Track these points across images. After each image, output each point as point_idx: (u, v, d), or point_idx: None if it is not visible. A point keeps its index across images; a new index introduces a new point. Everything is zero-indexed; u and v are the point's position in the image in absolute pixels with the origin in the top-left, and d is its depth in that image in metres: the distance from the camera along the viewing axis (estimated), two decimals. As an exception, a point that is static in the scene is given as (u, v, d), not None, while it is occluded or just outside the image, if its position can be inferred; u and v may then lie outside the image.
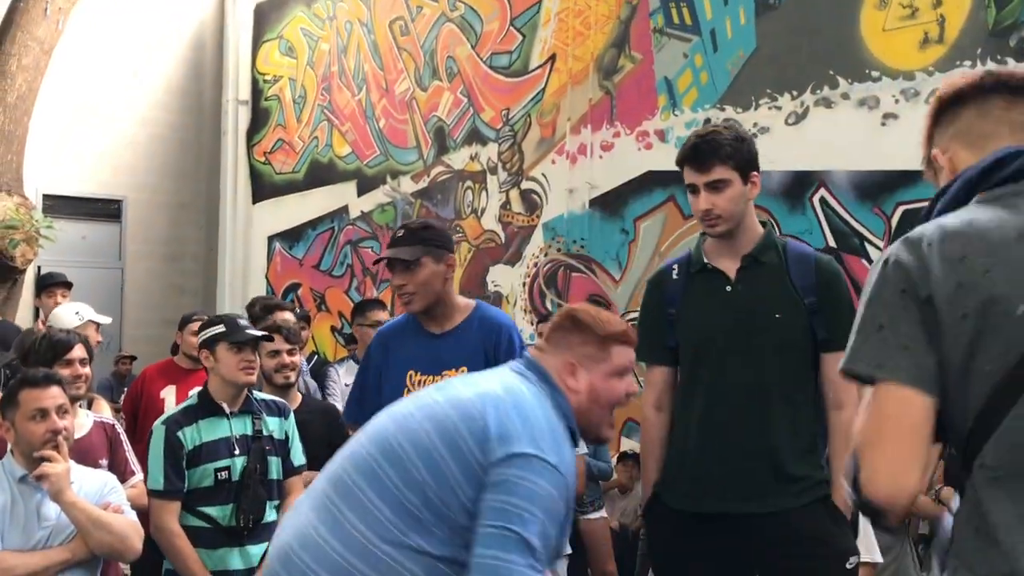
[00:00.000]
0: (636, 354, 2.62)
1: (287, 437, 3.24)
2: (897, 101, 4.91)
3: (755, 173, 2.51)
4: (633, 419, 6.19)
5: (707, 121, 5.79)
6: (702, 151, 2.48)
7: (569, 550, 3.90)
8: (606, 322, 2.03)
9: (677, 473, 2.56)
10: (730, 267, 2.53)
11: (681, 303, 2.58)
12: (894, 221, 4.88)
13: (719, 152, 2.46)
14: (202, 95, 9.76)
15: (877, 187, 4.89)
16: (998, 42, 4.59)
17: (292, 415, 3.28)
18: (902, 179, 4.83)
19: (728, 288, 2.52)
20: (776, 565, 2.44)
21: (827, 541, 2.43)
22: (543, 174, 6.79)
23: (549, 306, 6.67)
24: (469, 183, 7.35)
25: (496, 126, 7.14)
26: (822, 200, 5.28)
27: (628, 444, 5.93)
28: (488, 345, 2.86)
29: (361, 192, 8.23)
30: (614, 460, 5.43)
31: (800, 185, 5.38)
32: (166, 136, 9.55)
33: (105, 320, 4.71)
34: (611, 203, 6.37)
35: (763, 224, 2.59)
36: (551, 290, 6.72)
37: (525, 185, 6.94)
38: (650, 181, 6.13)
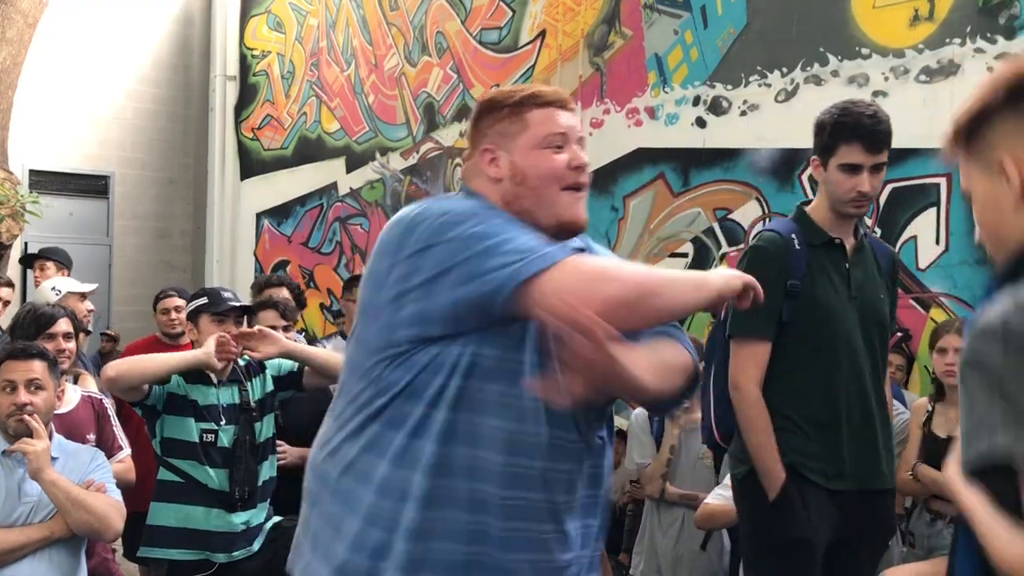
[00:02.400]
0: (743, 327, 2.48)
1: (270, 391, 3.28)
2: (887, 78, 4.90)
3: None
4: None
5: (697, 99, 5.78)
6: (881, 133, 2.51)
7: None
8: (518, 89, 1.71)
9: (814, 448, 2.46)
10: (848, 241, 2.58)
11: (806, 275, 2.48)
12: (882, 199, 4.88)
13: (890, 137, 2.53)
14: (190, 70, 9.69)
15: (866, 165, 4.89)
16: (988, 20, 4.58)
17: (267, 362, 3.27)
18: (891, 157, 4.81)
19: (847, 265, 2.54)
20: (874, 543, 2.55)
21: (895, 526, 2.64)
22: (533, 151, 6.77)
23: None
24: (459, 160, 7.32)
25: (486, 102, 7.11)
26: (811, 178, 5.27)
27: (617, 421, 5.94)
28: None
29: (350, 169, 8.19)
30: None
31: (789, 163, 5.37)
32: (154, 111, 9.47)
33: (87, 288, 4.67)
34: (601, 180, 6.34)
35: None
36: (540, 267, 6.72)
37: (515, 162, 6.91)
38: (640, 158, 6.12)
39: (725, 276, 1.61)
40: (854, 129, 2.48)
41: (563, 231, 1.67)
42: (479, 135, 1.72)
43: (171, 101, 9.58)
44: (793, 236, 2.54)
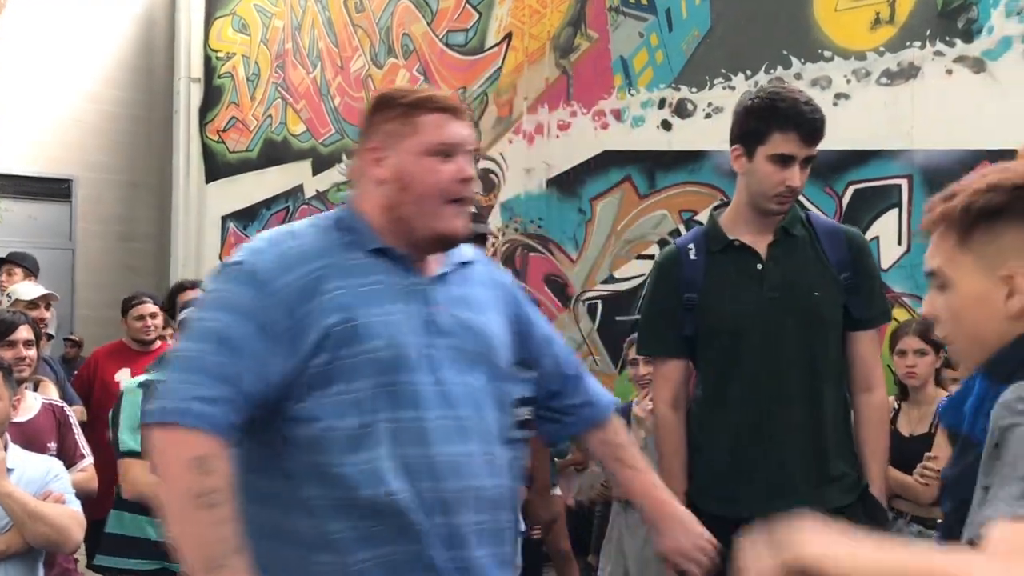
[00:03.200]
0: (643, 346, 2.41)
1: None
2: (849, 81, 4.96)
3: None
4: (590, 397, 6.23)
5: (662, 101, 5.82)
6: (817, 123, 2.24)
7: (523, 527, 3.93)
8: (414, 90, 1.63)
9: (716, 476, 2.30)
10: (759, 242, 2.31)
11: (704, 286, 2.30)
12: (845, 200, 4.94)
13: (824, 127, 2.27)
14: (153, 72, 9.58)
15: (829, 167, 4.94)
16: (947, 23, 4.65)
17: None
18: (853, 158, 4.89)
19: (759, 266, 2.29)
20: None
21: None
22: (500, 153, 6.77)
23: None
24: (425, 162, 7.30)
25: (452, 105, 7.10)
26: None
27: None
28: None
29: (316, 171, 8.15)
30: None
31: (754, 165, 5.42)
32: (116, 114, 9.36)
33: (34, 293, 4.54)
34: (568, 183, 6.37)
35: None
36: (509, 270, 6.72)
37: (482, 164, 6.91)
38: (607, 161, 6.14)
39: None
40: (791, 116, 2.21)
41: (439, 243, 1.63)
42: (369, 130, 1.64)
43: (134, 103, 9.46)
44: (690, 246, 2.36)
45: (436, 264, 1.67)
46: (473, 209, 2.66)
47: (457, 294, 1.66)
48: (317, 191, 8.16)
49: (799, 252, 2.32)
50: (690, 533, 1.80)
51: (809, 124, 2.24)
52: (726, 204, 2.47)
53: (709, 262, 2.33)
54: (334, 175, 8.03)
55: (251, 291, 1.51)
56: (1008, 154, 4.44)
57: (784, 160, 2.23)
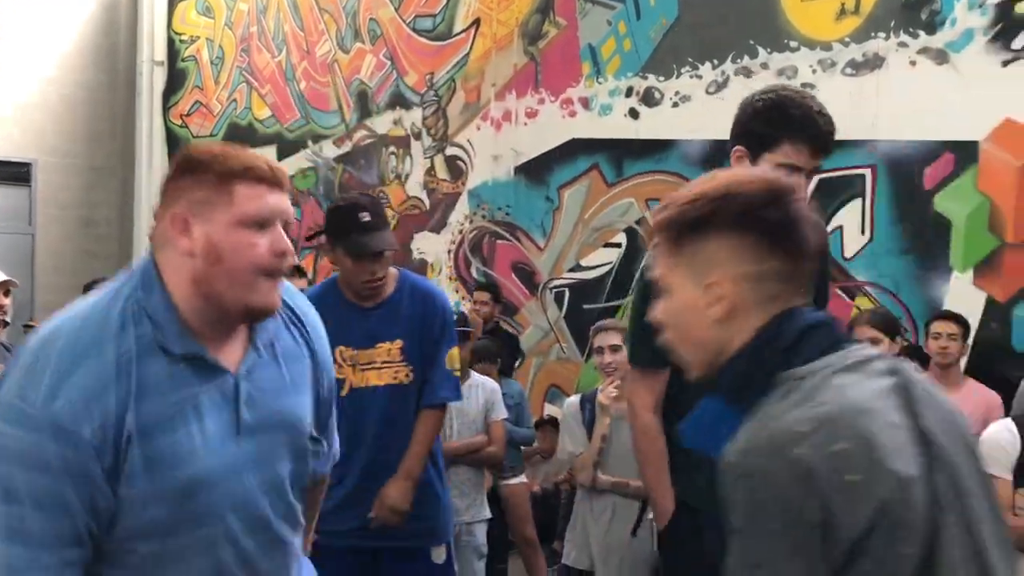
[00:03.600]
0: (635, 356, 2.27)
1: None
2: (814, 71, 4.99)
3: None
4: (557, 385, 6.25)
5: (630, 90, 5.82)
6: (831, 136, 2.14)
7: (488, 515, 3.93)
8: (228, 156, 1.52)
9: (704, 477, 2.24)
10: None
11: None
12: (809, 190, 4.97)
13: (834, 141, 2.17)
14: (115, 55, 9.42)
15: (794, 156, 4.97)
16: (911, 15, 4.70)
17: None
18: (818, 149, 4.91)
19: None
20: None
21: None
22: (468, 140, 6.75)
23: (475, 274, 6.66)
24: (393, 148, 7.26)
25: (420, 90, 7.06)
26: (741, 169, 5.35)
27: (550, 410, 5.98)
28: (424, 314, 2.81)
29: (281, 156, 8.06)
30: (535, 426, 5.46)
31: (720, 154, 5.42)
32: (78, 97, 9.20)
33: None
34: (536, 170, 6.36)
35: None
36: (476, 258, 6.71)
37: (450, 151, 6.88)
38: (574, 148, 6.14)
39: None
40: (804, 127, 2.11)
41: (252, 317, 1.55)
42: (174, 194, 1.52)
43: (96, 87, 9.30)
44: None
45: (241, 345, 1.58)
46: (367, 217, 2.61)
47: (266, 384, 1.59)
48: (283, 177, 8.09)
49: None
50: None
51: (823, 137, 2.14)
52: None
53: None
54: (300, 161, 7.96)
55: (57, 447, 1.39)
56: (970, 145, 4.51)
57: (792, 170, 2.09)
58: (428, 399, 2.82)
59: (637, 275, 2.46)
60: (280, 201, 1.54)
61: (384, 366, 2.76)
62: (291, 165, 7.99)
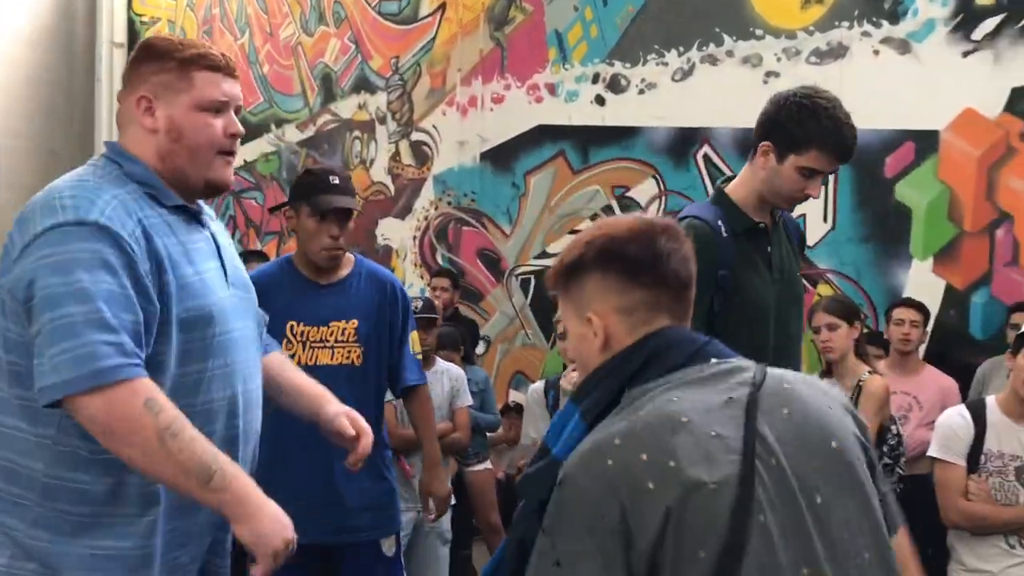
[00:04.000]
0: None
1: None
2: (779, 59, 5.03)
3: None
4: (522, 371, 6.25)
5: (596, 76, 5.82)
6: (853, 150, 2.31)
7: (452, 501, 3.93)
8: (187, 45, 1.72)
9: None
10: (768, 225, 2.41)
11: (735, 264, 2.33)
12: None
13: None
14: (73, 36, 9.24)
15: (758, 144, 5.00)
16: (874, 5, 4.74)
17: None
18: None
19: (769, 248, 2.39)
20: None
21: None
22: (433, 125, 6.70)
23: (440, 260, 6.64)
24: (357, 133, 7.20)
25: (385, 75, 7.00)
26: (705, 157, 5.38)
27: (516, 396, 5.98)
28: (382, 299, 2.82)
29: (244, 141, 7.87)
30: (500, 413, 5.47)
31: (684, 142, 5.46)
32: (35, 78, 9.00)
33: None
34: (502, 156, 6.34)
35: None
36: (442, 244, 6.68)
37: (415, 136, 6.84)
38: (540, 135, 6.13)
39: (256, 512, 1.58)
40: (835, 140, 2.24)
41: (210, 191, 1.77)
42: (138, 78, 1.72)
43: (54, 68, 9.11)
44: (720, 223, 2.35)
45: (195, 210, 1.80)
46: (337, 180, 2.72)
47: (225, 244, 1.83)
48: (245, 161, 7.98)
49: (781, 235, 2.46)
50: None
51: (849, 149, 2.29)
52: (729, 179, 2.49)
53: (736, 242, 2.36)
54: (263, 145, 7.86)
55: (110, 247, 1.57)
56: (931, 134, 4.56)
57: (812, 173, 2.28)
58: (401, 384, 2.88)
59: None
60: (233, 88, 1.75)
61: (336, 345, 2.76)
62: (253, 149, 7.90)
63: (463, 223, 6.56)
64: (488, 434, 4.88)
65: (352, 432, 1.93)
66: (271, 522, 1.57)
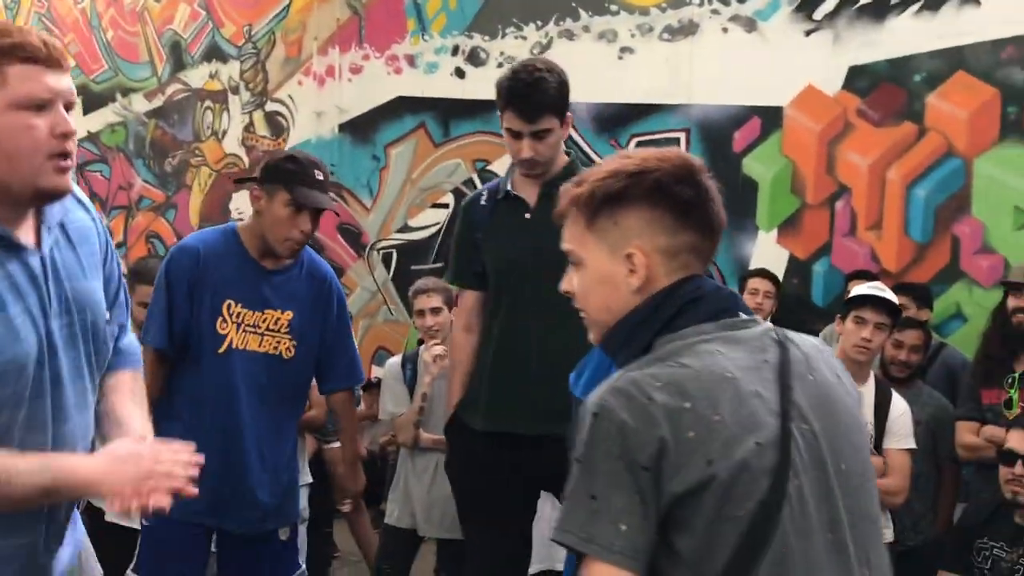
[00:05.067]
0: (447, 276, 2.71)
1: None
2: (633, 36, 5.10)
3: (570, 113, 2.53)
4: (385, 347, 6.19)
5: (456, 48, 5.77)
6: (532, 102, 2.42)
7: (309, 479, 3.86)
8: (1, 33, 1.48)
9: (476, 394, 2.60)
10: (532, 195, 2.55)
11: (488, 228, 2.60)
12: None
13: (548, 102, 2.43)
14: None
15: (614, 119, 5.09)
16: (723, -17, 4.86)
17: None
18: (636, 112, 5.05)
19: (527, 215, 2.54)
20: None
21: None
22: (289, 95, 6.52)
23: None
24: (209, 103, 6.93)
25: (238, 43, 6.75)
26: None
27: (378, 372, 5.92)
28: (319, 294, 2.75)
29: (87, 110, 7.55)
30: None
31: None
32: None
33: None
34: (361, 128, 6.23)
35: (567, 153, 2.61)
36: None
37: (270, 107, 6.63)
38: (401, 107, 6.05)
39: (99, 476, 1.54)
40: (509, 98, 2.44)
41: (42, 198, 1.55)
42: None
43: None
44: (484, 192, 2.66)
45: (32, 226, 1.57)
46: (321, 176, 2.63)
47: (63, 264, 1.61)
48: (89, 132, 7.58)
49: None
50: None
51: (523, 103, 2.42)
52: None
53: (494, 208, 2.61)
54: (108, 115, 7.48)
55: None
56: (775, 110, 4.74)
57: (514, 134, 2.46)
58: (341, 383, 2.87)
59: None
60: (58, 81, 1.50)
61: (267, 333, 2.66)
62: (98, 119, 7.51)
63: (322, 197, 6.42)
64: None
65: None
66: (110, 476, 1.53)
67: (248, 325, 2.64)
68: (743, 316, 1.30)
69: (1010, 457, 2.91)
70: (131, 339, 1.89)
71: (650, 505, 1.15)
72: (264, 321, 2.65)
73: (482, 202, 2.64)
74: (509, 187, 2.60)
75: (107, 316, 1.69)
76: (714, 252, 1.33)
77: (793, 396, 1.22)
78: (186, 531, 2.57)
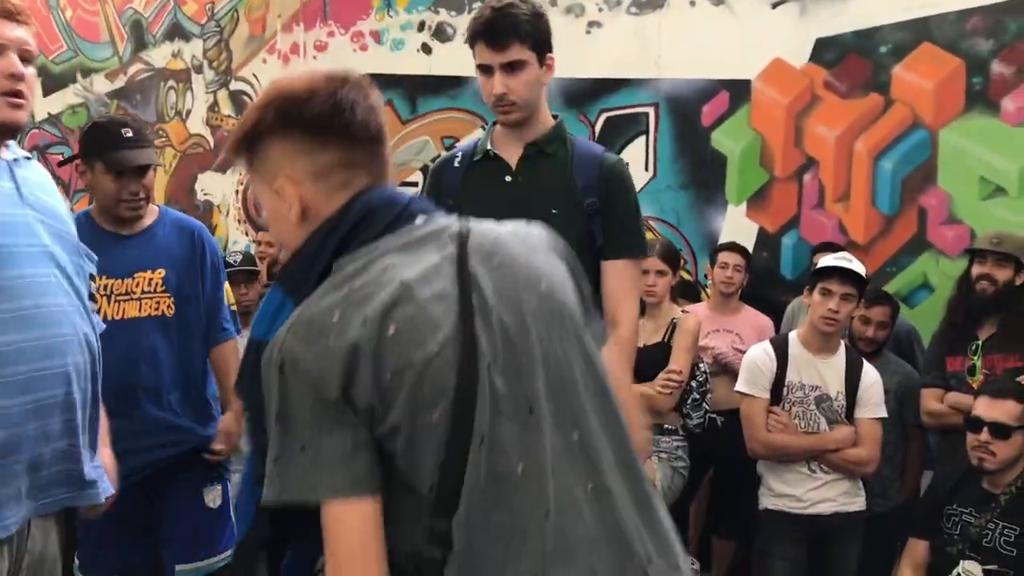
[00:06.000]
0: None
1: None
2: (600, 9, 5.08)
3: (551, 55, 2.30)
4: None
5: (422, 24, 5.72)
6: (499, 27, 2.21)
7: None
8: None
9: None
10: (513, 156, 2.33)
11: (459, 193, 2.34)
12: (598, 128, 5.10)
13: (518, 29, 2.21)
14: None
15: (582, 94, 5.07)
16: (690, -44, 4.85)
17: None
18: (605, 87, 5.04)
19: (508, 178, 2.33)
20: None
21: None
22: (254, 74, 6.43)
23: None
24: (172, 83, 6.82)
25: (200, 21, 6.64)
26: (533, 106, 5.40)
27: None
28: (189, 248, 2.73)
29: (47, 92, 7.40)
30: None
31: (513, 91, 5.46)
32: None
33: None
34: (327, 107, 6.16)
35: (555, 116, 2.39)
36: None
37: (234, 86, 6.54)
38: (367, 84, 5.98)
39: None
40: (476, 27, 2.26)
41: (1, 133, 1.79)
42: None
43: None
44: (458, 154, 2.43)
45: None
46: (130, 132, 2.61)
47: (31, 178, 1.84)
48: (49, 114, 7.44)
49: (548, 170, 2.33)
50: None
51: (487, 29, 2.24)
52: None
53: (468, 170, 2.37)
54: (68, 96, 7.34)
55: None
56: (743, 84, 4.75)
57: (486, 70, 2.27)
58: (219, 336, 2.82)
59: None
60: (12, 30, 1.74)
61: (144, 296, 2.65)
62: (58, 101, 7.37)
63: (289, 176, 6.36)
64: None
65: None
66: None
67: (119, 294, 2.63)
68: (421, 219, 1.27)
69: (977, 424, 2.96)
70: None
71: (358, 430, 1.14)
72: (137, 285, 2.64)
73: (455, 164, 2.40)
74: (489, 146, 2.36)
75: (80, 246, 1.90)
76: (377, 157, 1.28)
77: (476, 284, 1.21)
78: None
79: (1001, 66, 4.13)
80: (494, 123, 2.42)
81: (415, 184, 5.86)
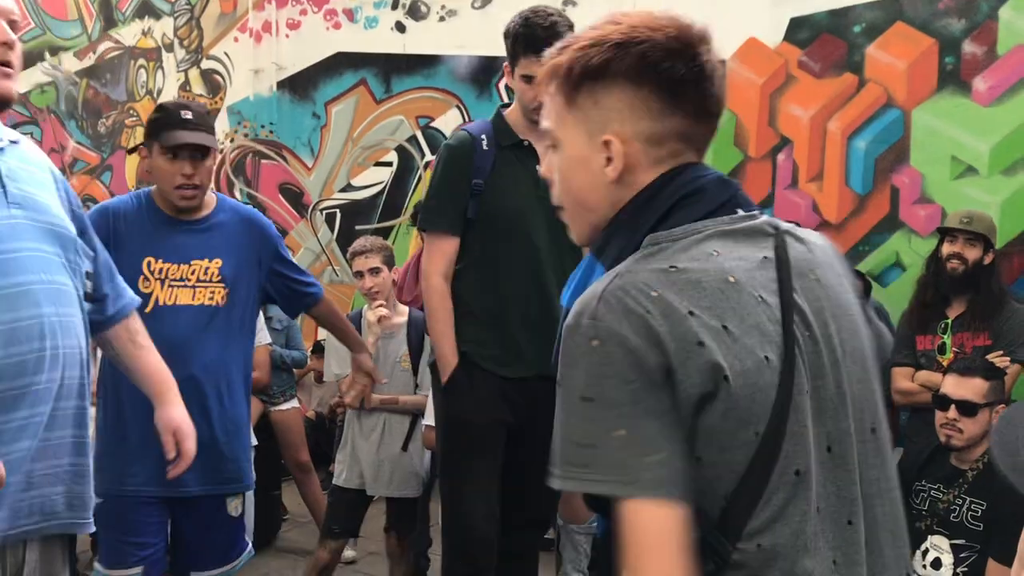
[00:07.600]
0: (430, 223, 2.64)
1: None
2: (576, -12, 5.05)
3: None
4: (330, 308, 6.13)
5: (396, 2, 5.67)
6: (550, 45, 2.36)
7: (255, 441, 3.82)
8: None
9: (488, 337, 2.62)
10: (539, 147, 2.52)
11: (492, 175, 2.57)
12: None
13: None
14: None
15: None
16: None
17: None
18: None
19: (536, 165, 2.49)
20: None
21: None
22: (225, 53, 6.36)
23: (239, 195, 6.36)
24: (142, 61, 6.73)
25: (171, -1, 6.55)
26: (508, 86, 5.37)
27: (324, 333, 5.87)
28: (248, 237, 2.67)
29: (15, 70, 7.30)
30: (309, 349, 5.36)
31: (487, 71, 5.43)
32: None
33: None
34: (300, 85, 6.10)
35: None
36: (240, 178, 6.40)
37: (205, 64, 6.46)
38: (340, 63, 5.93)
39: None
40: (530, 42, 2.48)
41: None
42: None
43: None
44: (483, 136, 2.60)
45: None
46: (190, 115, 2.58)
47: (18, 168, 1.72)
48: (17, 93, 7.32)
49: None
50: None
51: (539, 46, 2.35)
52: (508, 104, 2.71)
53: (498, 154, 2.59)
54: (37, 75, 7.23)
55: None
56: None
57: (531, 80, 2.49)
58: (313, 296, 2.82)
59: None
60: None
61: (199, 285, 2.59)
62: (27, 80, 7.25)
63: (262, 156, 6.30)
64: (296, 372, 4.78)
65: (173, 453, 2.00)
66: None
67: (174, 280, 2.58)
68: (741, 212, 1.13)
69: (944, 402, 2.98)
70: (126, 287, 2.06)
71: (674, 423, 1.01)
72: (193, 273, 2.59)
73: (484, 147, 2.59)
74: (520, 136, 2.59)
75: (74, 235, 1.80)
76: (710, 137, 1.15)
77: (795, 299, 1.08)
78: (145, 506, 2.52)
79: (973, 46, 4.14)
80: (502, 106, 2.65)
81: (389, 164, 5.82)
